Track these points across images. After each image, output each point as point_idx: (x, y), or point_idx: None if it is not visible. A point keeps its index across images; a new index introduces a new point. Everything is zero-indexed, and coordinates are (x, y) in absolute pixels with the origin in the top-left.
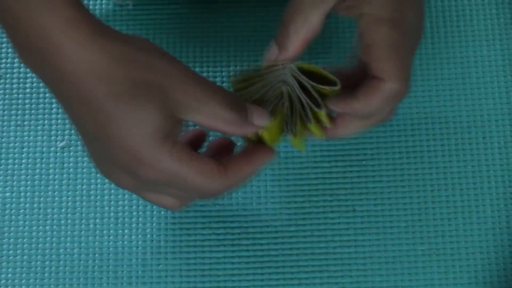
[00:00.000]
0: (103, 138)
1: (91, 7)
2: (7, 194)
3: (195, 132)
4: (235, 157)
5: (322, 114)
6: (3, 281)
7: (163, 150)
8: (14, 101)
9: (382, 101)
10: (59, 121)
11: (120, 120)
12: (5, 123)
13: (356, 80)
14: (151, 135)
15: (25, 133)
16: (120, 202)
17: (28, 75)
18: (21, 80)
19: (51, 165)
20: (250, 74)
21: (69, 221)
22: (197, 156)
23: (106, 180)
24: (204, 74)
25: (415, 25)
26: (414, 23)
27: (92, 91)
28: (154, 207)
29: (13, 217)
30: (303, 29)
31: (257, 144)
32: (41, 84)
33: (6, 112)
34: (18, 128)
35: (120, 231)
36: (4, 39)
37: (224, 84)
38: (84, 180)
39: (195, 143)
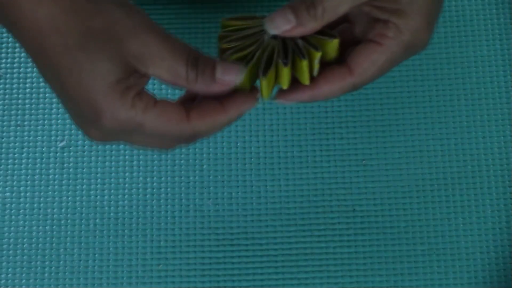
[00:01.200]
0: (65, 91)
1: None
2: (7, 194)
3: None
4: (209, 103)
5: (317, 56)
6: (3, 281)
7: (123, 100)
8: (14, 101)
9: (339, 90)
10: (59, 121)
11: (76, 72)
12: (5, 123)
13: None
14: (108, 85)
15: (25, 133)
16: (120, 202)
17: (28, 75)
18: (21, 80)
19: (51, 165)
20: (243, 18)
21: (69, 221)
22: (160, 103)
23: (106, 180)
24: None
25: (424, 41)
26: (426, 40)
27: (48, 45)
28: (154, 206)
29: (13, 217)
30: (330, 15)
31: (236, 91)
32: (41, 84)
33: (6, 112)
34: (18, 128)
35: (120, 231)
36: (4, 39)
37: None
38: (84, 180)
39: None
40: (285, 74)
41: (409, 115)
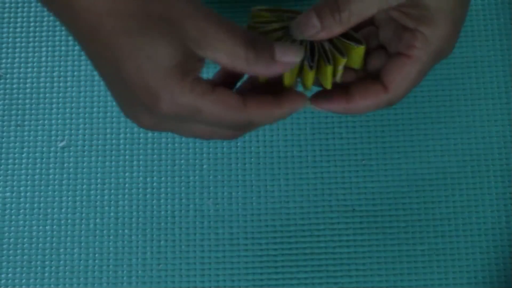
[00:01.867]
0: (120, 76)
1: None
2: (7, 194)
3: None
4: (265, 95)
5: (342, 62)
6: (3, 281)
7: (182, 84)
8: (14, 101)
9: (374, 106)
10: (59, 121)
11: (134, 56)
12: (5, 123)
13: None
14: (168, 69)
15: (25, 133)
16: (120, 202)
17: (28, 75)
18: (21, 80)
19: (51, 165)
20: (273, 10)
21: (69, 221)
22: (218, 89)
23: (106, 180)
24: (204, 75)
25: (452, 46)
26: (453, 44)
27: (107, 28)
28: (154, 206)
29: (13, 217)
30: (356, 18)
31: (290, 89)
32: (41, 84)
33: (6, 112)
34: (18, 128)
35: (120, 231)
36: (4, 39)
37: None
38: (84, 180)
39: (227, 81)
40: (310, 77)
41: (408, 115)
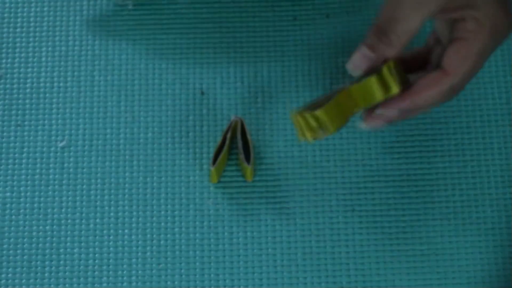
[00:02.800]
0: None
1: (91, 7)
2: (7, 194)
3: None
4: None
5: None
6: (3, 281)
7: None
8: (14, 101)
9: (438, 94)
10: (59, 121)
11: None
12: (5, 123)
13: (413, 65)
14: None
15: (25, 133)
16: (120, 202)
17: (28, 75)
18: (21, 80)
19: (51, 165)
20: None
21: (69, 221)
22: None
23: (106, 180)
24: (204, 75)
25: (506, 25)
26: (506, 23)
27: None
28: (154, 206)
29: (13, 217)
30: (405, 36)
31: None
32: (41, 84)
33: (6, 112)
34: (18, 128)
35: (120, 231)
36: (4, 39)
37: (221, 87)
38: (84, 180)
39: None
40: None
41: None
